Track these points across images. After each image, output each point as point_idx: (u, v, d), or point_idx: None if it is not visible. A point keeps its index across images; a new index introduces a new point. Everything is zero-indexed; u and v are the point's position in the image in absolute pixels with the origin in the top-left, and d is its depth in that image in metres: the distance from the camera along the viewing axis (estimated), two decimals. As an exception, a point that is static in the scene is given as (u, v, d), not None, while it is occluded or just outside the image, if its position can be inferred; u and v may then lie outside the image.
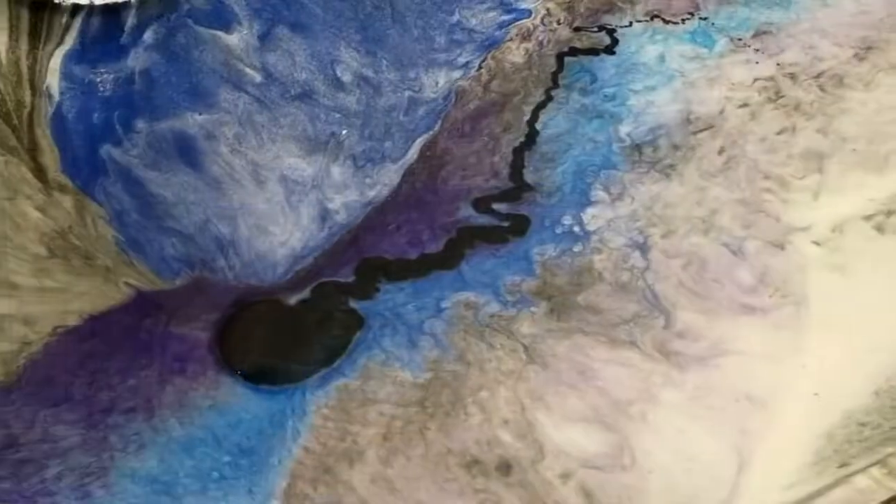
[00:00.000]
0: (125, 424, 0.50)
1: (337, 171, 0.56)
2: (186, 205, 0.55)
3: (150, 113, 0.58)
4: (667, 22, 0.60)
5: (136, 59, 0.59)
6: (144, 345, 0.51)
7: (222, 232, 0.54)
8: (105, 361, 0.50)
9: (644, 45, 0.60)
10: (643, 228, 0.54)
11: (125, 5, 0.60)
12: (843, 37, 0.59)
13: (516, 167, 0.56)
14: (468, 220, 0.54)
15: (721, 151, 0.56)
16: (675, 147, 0.56)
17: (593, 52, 0.59)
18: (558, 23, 0.60)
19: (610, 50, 0.59)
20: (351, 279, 0.52)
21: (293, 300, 0.52)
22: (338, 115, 0.58)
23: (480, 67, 0.60)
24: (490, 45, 0.60)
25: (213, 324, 0.51)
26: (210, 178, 0.56)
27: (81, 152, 0.56)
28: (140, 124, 0.57)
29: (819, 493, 0.48)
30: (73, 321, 0.51)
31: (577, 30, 0.60)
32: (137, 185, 0.55)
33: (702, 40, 0.59)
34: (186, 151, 0.57)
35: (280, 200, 0.55)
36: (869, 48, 0.59)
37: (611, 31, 0.60)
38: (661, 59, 0.59)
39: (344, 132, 0.58)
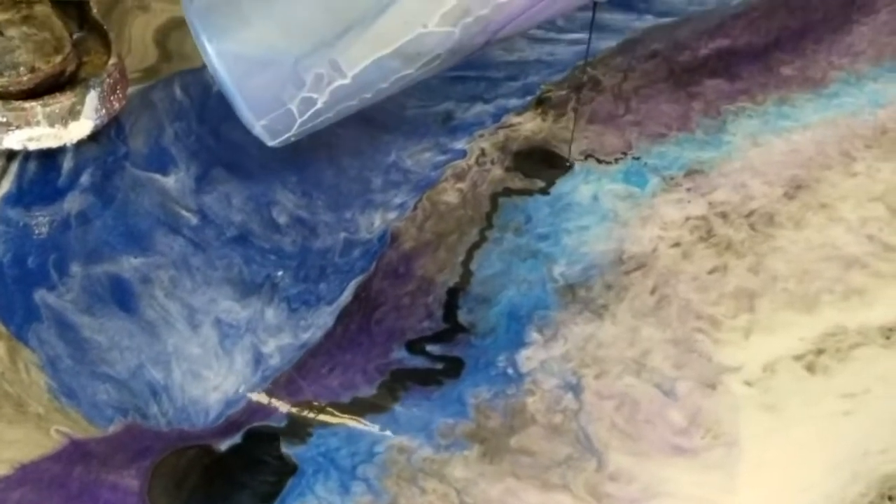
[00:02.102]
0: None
1: (271, 314, 0.59)
2: (120, 350, 0.57)
3: (86, 256, 0.60)
4: (600, 161, 0.64)
5: (73, 202, 0.62)
6: (76, 493, 0.52)
7: (156, 377, 0.56)
8: (34, 511, 0.52)
9: (578, 185, 0.63)
10: (576, 369, 0.57)
11: (62, 149, 0.63)
12: (773, 175, 0.63)
13: (450, 308, 0.59)
14: (402, 363, 0.57)
15: (653, 291, 0.59)
16: (608, 287, 0.59)
17: (527, 192, 0.63)
18: (492, 163, 0.63)
19: (545, 191, 0.62)
20: (283, 424, 0.55)
21: (225, 446, 0.54)
22: (273, 258, 0.61)
23: (416, 208, 0.63)
24: (425, 185, 0.63)
25: (145, 471, 0.53)
26: (145, 323, 0.58)
27: (15, 297, 0.59)
28: (75, 268, 0.60)
29: None
30: (3, 470, 0.53)
31: (510, 170, 0.63)
32: (71, 331, 0.58)
33: (635, 180, 0.63)
34: (121, 295, 0.59)
35: (214, 345, 0.58)
36: (799, 187, 0.62)
37: (545, 172, 0.63)
38: (595, 198, 0.62)
39: (279, 274, 0.60)
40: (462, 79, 0.67)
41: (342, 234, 0.61)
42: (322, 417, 0.54)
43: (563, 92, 0.66)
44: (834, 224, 0.60)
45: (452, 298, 0.59)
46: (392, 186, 0.63)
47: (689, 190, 0.62)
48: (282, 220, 0.62)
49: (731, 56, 0.65)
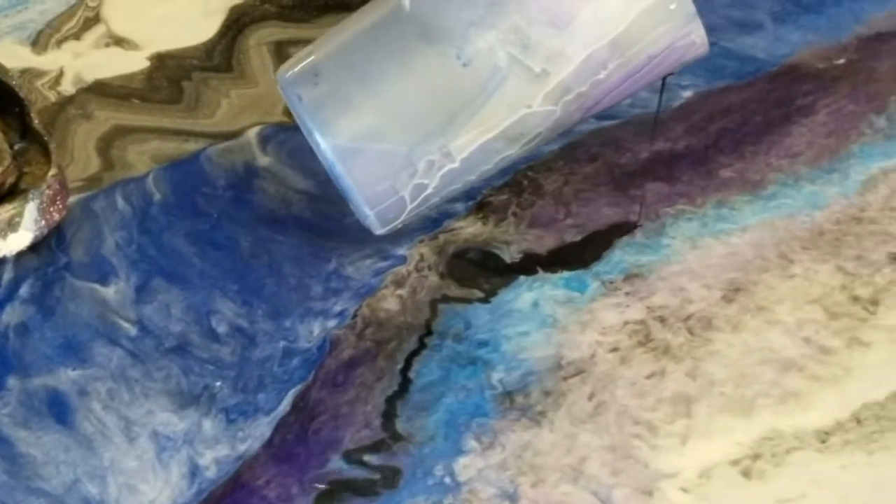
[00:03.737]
0: None
1: (209, 426, 0.61)
2: (56, 464, 0.59)
3: (24, 369, 0.62)
4: (541, 264, 0.66)
5: (12, 314, 0.64)
6: None
7: (91, 492, 0.58)
8: None
9: (518, 289, 0.65)
10: (513, 478, 0.58)
11: (1, 261, 0.65)
12: (711, 279, 0.65)
13: (389, 417, 0.61)
14: (339, 473, 0.59)
15: (591, 397, 0.61)
16: (546, 393, 0.61)
17: (466, 300, 0.65)
18: (429, 268, 0.65)
19: (485, 300, 0.65)
20: (217, 539, 0.56)
21: (158, 562, 0.56)
22: (212, 368, 0.63)
23: (355, 316, 0.65)
24: (365, 292, 0.66)
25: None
26: (81, 436, 0.60)
27: (-49, 411, 0.61)
28: (12, 381, 0.62)
29: None
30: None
31: (447, 276, 0.65)
32: (6, 445, 0.59)
33: (575, 285, 0.65)
34: (58, 409, 0.61)
35: (150, 458, 0.59)
36: (737, 290, 0.64)
37: (485, 277, 0.66)
38: (535, 304, 0.65)
39: (218, 385, 0.62)
40: (404, 184, 0.69)
41: (282, 343, 0.63)
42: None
43: (505, 196, 0.68)
44: (771, 327, 0.62)
45: (391, 407, 0.61)
46: (332, 294, 0.65)
47: (628, 294, 0.64)
48: (221, 329, 0.63)
49: (671, 158, 0.68)
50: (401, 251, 0.66)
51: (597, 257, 0.65)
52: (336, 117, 0.60)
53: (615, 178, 0.69)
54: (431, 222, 0.67)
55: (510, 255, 0.66)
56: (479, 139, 0.60)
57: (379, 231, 0.62)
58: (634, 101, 0.71)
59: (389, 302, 0.64)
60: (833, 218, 0.66)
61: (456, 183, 0.61)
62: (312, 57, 0.61)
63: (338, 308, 0.64)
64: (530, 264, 0.65)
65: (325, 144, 0.60)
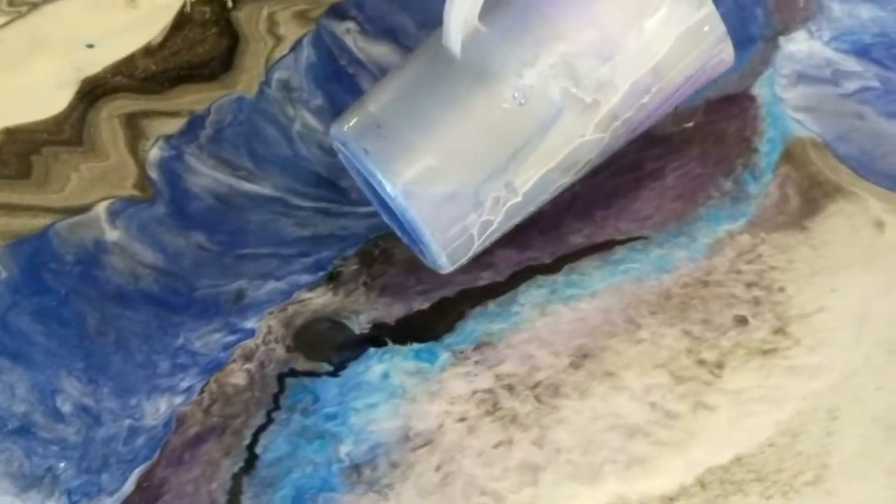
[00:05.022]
0: None
1: (50, 509, 0.61)
2: None
3: None
4: (391, 335, 0.67)
5: None
6: None
7: (-75, 580, 0.58)
8: None
9: (368, 361, 0.66)
10: (358, 553, 0.59)
11: None
12: (560, 345, 0.66)
13: (235, 494, 0.62)
14: (182, 554, 0.59)
15: (438, 468, 0.62)
16: (394, 465, 0.62)
17: (314, 373, 0.66)
18: (276, 341, 0.66)
19: (334, 373, 0.66)
20: None
21: None
22: (56, 448, 0.63)
23: (202, 391, 0.65)
24: (213, 367, 0.66)
25: None
26: (-83, 523, 0.60)
27: None
28: None
29: None
30: None
31: (294, 349, 0.66)
32: None
33: (425, 356, 0.66)
34: None
35: (-12, 543, 0.59)
36: (585, 356, 0.66)
37: (334, 349, 0.66)
38: (385, 375, 0.66)
39: (62, 466, 0.62)
40: (254, 256, 0.70)
41: (127, 422, 0.63)
42: None
43: (356, 266, 0.69)
44: (618, 392, 0.64)
45: (237, 484, 0.61)
46: (179, 370, 0.65)
47: (477, 363, 0.65)
48: (66, 408, 0.64)
49: (522, 224, 0.69)
50: (249, 324, 0.67)
51: (449, 328, 0.66)
52: (404, 166, 0.62)
53: (466, 246, 0.70)
54: (281, 294, 0.68)
55: (359, 325, 0.66)
56: (539, 172, 0.63)
57: (447, 270, 0.66)
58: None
59: (237, 376, 0.65)
60: (680, 281, 0.68)
61: (518, 216, 0.65)
62: (370, 111, 0.64)
63: (185, 384, 0.65)
64: (380, 335, 0.66)
65: (396, 193, 0.63)
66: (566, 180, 0.67)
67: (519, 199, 0.64)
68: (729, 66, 0.68)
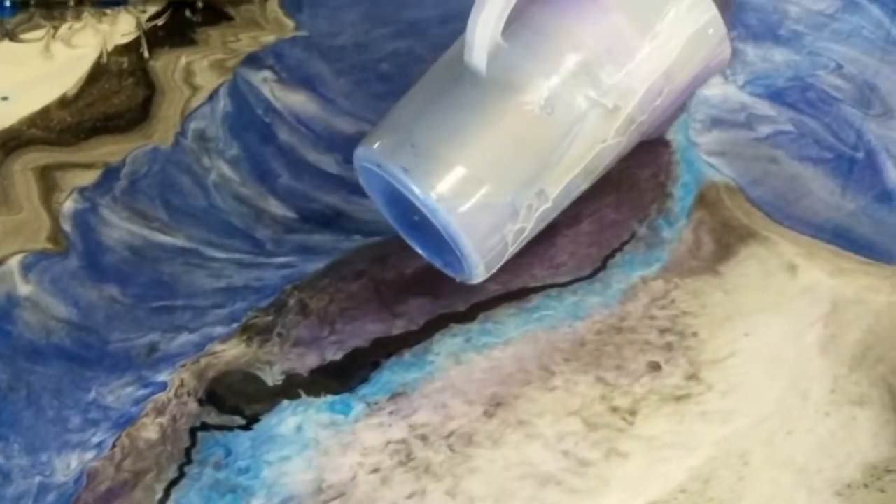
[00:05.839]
0: None
1: (-44, 569, 0.60)
2: None
3: None
4: (304, 386, 0.67)
5: None
6: None
7: None
8: None
9: (281, 413, 0.66)
10: None
11: None
12: (474, 394, 0.67)
13: (145, 550, 0.62)
14: None
15: (351, 520, 0.62)
16: (305, 518, 0.62)
17: (226, 427, 0.66)
18: (188, 394, 0.66)
19: (246, 427, 0.66)
20: None
21: None
22: (-36, 508, 0.63)
23: (114, 446, 0.65)
24: (125, 422, 0.66)
25: None
26: None
27: None
28: None
29: None
30: None
31: (206, 402, 0.66)
32: None
33: (340, 408, 0.67)
34: None
35: None
36: (498, 404, 0.66)
37: (247, 402, 0.67)
38: (299, 428, 0.66)
39: (-31, 525, 0.62)
40: (168, 309, 0.70)
41: (37, 479, 0.63)
42: None
43: (270, 317, 0.69)
44: (531, 441, 0.64)
45: (148, 540, 0.61)
46: (91, 425, 0.65)
47: (391, 413, 0.65)
48: (-25, 467, 0.64)
49: (436, 274, 0.70)
50: (161, 377, 0.67)
51: (364, 379, 0.67)
52: (442, 181, 0.65)
53: (380, 295, 0.70)
54: (194, 346, 0.68)
55: (273, 377, 0.67)
56: (567, 178, 0.67)
57: (482, 279, 0.69)
58: (400, 217, 0.73)
59: (149, 430, 0.65)
60: (594, 328, 0.69)
61: (546, 220, 0.69)
62: (402, 130, 0.67)
63: (96, 439, 0.65)
64: (294, 387, 0.66)
65: (438, 207, 0.65)
66: (587, 185, 0.69)
67: (549, 205, 0.67)
68: (726, 64, 0.72)
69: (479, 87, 0.65)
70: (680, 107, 0.75)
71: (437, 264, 0.70)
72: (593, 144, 0.67)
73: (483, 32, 0.65)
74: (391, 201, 0.69)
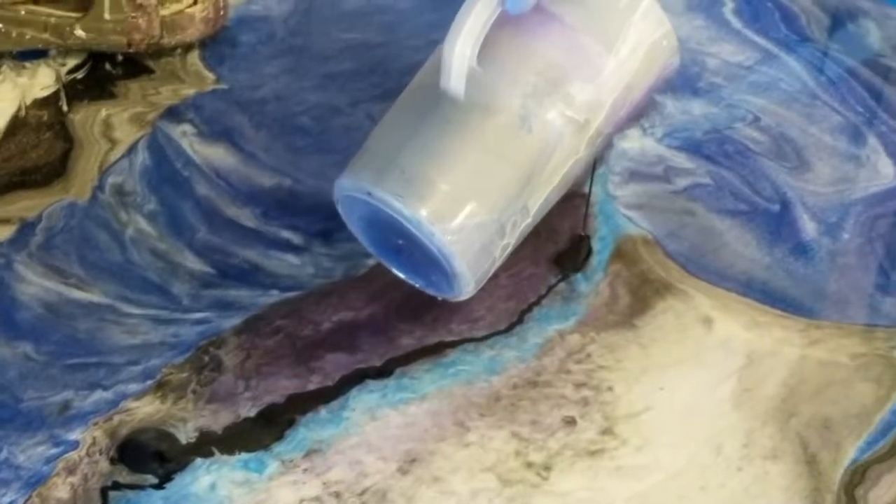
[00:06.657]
0: None
1: None
2: None
3: None
4: (219, 444, 0.67)
5: None
6: None
7: None
8: None
9: (195, 472, 0.66)
10: None
11: None
12: (389, 450, 0.67)
13: None
14: None
15: (263, 580, 0.62)
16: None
17: (138, 486, 0.66)
18: (100, 453, 0.66)
19: (159, 486, 0.66)
20: None
21: None
22: None
23: (24, 507, 0.65)
24: (36, 481, 0.66)
25: None
26: None
27: None
28: None
29: None
30: None
31: (118, 461, 0.66)
32: None
33: (254, 465, 0.67)
34: None
35: None
36: (413, 461, 0.67)
37: (161, 460, 0.66)
38: (212, 486, 0.66)
39: None
40: (83, 366, 0.70)
41: (-55, 541, 0.63)
42: None
43: (185, 374, 0.69)
44: (445, 498, 0.64)
45: None
46: (2, 485, 0.65)
47: (305, 471, 0.65)
48: None
49: (353, 328, 0.70)
50: (73, 436, 0.67)
51: (279, 436, 0.67)
52: (434, 205, 0.67)
53: (297, 350, 0.71)
54: (108, 403, 0.68)
55: (186, 434, 0.67)
56: (546, 191, 0.69)
57: (468, 297, 0.71)
58: (317, 272, 0.74)
59: (61, 490, 0.65)
60: (510, 383, 0.69)
61: (525, 234, 0.71)
62: (388, 158, 0.68)
63: (7, 499, 0.64)
64: (208, 444, 0.66)
65: (433, 231, 0.67)
66: (558, 197, 0.71)
67: (530, 219, 0.69)
68: (675, 68, 0.74)
69: (459, 111, 0.67)
70: (636, 117, 0.79)
71: (419, 284, 0.72)
72: (568, 158, 0.69)
73: (460, 60, 0.66)
74: (370, 227, 0.71)
